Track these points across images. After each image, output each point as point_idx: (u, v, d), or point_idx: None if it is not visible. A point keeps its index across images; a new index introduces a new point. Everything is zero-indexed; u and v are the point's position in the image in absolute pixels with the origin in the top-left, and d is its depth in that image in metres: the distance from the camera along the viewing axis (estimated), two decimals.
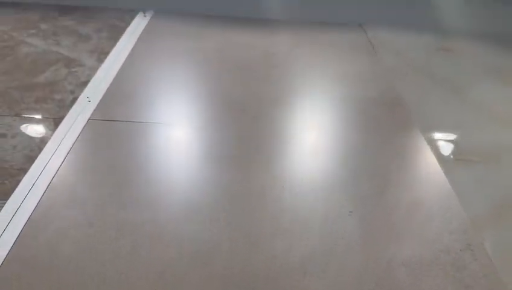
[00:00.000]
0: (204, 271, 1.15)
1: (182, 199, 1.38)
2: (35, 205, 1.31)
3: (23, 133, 1.62)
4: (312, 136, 1.73)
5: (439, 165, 1.62)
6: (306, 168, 1.55)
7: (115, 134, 1.66)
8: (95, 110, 1.78)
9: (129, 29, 2.52)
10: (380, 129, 1.80)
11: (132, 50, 2.27)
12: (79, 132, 1.64)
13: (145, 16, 2.74)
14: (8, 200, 1.32)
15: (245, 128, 1.74)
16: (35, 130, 1.64)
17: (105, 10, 2.77)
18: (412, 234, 1.32)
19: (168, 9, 2.85)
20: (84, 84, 1.95)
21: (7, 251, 1.16)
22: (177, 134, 1.69)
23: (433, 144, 1.73)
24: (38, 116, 1.71)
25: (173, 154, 1.58)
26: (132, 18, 2.70)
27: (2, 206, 1.30)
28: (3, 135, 1.59)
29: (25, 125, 1.66)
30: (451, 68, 2.40)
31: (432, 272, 1.20)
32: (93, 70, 2.07)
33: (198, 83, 2.04)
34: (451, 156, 1.69)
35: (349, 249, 1.25)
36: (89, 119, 1.73)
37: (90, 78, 2.00)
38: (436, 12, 2.96)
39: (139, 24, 2.61)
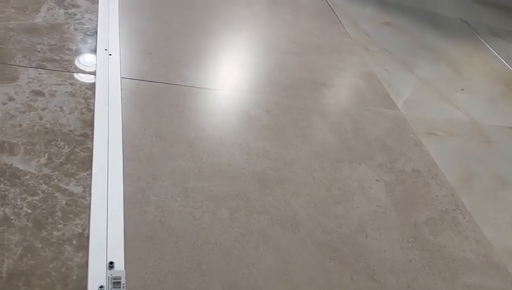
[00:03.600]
0: None
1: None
2: (121, 177, 1.33)
3: (61, 91, 1.51)
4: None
5: (419, 138, 2.04)
6: None
7: (156, 96, 1.66)
8: (121, 66, 1.72)
9: None
10: (366, 101, 2.13)
11: None
12: (119, 92, 1.60)
13: None
14: (93, 171, 1.31)
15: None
16: (72, 88, 1.54)
17: None
18: (422, 199, 1.72)
19: None
20: (92, 31, 1.82)
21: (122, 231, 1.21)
22: (219, 98, 1.77)
23: (410, 119, 2.14)
24: (67, 72, 1.59)
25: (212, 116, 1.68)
26: None
27: (90, 177, 1.28)
28: (41, 93, 1.48)
29: (56, 80, 1.54)
30: (398, 44, 2.81)
31: (443, 228, 1.63)
32: (92, 13, 1.92)
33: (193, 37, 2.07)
34: (424, 131, 2.12)
35: (387, 214, 1.59)
36: (121, 78, 1.67)
37: (95, 25, 1.86)
38: None
39: None
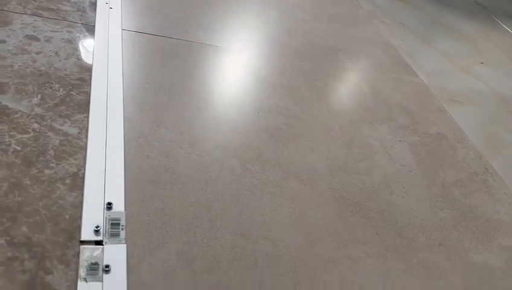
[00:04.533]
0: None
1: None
2: (122, 121, 1.20)
3: (58, 37, 1.40)
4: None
5: (442, 104, 1.90)
6: None
7: (159, 49, 1.54)
8: (123, 19, 1.60)
9: None
10: (384, 68, 2.00)
11: None
12: (120, 43, 1.48)
13: None
14: (90, 114, 1.18)
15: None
16: (69, 35, 1.42)
17: None
18: (448, 161, 1.58)
19: None
20: None
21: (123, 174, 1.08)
22: (222, 56, 1.65)
23: (431, 86, 2.00)
24: (64, 21, 1.48)
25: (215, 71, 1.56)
26: None
27: (87, 120, 1.16)
28: (35, 38, 1.36)
29: (52, 28, 1.43)
30: (413, 19, 2.69)
31: (473, 189, 1.49)
32: None
33: None
34: (446, 98, 1.99)
35: (413, 173, 1.46)
36: (122, 29, 1.56)
37: None
38: None
39: None
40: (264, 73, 1.66)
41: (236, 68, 1.63)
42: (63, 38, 1.39)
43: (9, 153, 1.00)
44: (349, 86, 1.78)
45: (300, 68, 1.77)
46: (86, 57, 1.36)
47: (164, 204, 1.03)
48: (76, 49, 1.38)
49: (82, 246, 0.88)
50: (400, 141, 1.58)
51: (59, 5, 1.54)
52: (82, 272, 0.84)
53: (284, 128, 1.43)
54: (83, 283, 0.82)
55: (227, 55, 1.68)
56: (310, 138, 1.43)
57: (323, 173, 1.31)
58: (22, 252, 0.84)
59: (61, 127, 1.11)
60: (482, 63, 2.48)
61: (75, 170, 1.02)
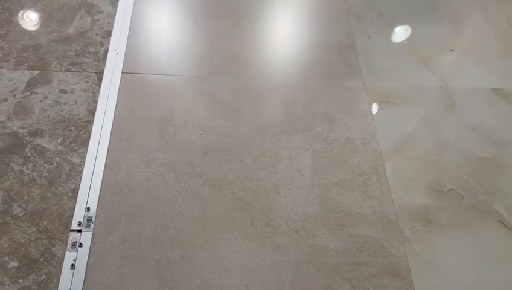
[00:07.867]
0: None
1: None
2: (106, 151, 2.05)
3: (78, 88, 2.25)
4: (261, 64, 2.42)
5: (369, 108, 2.38)
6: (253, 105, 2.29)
7: (146, 86, 2.31)
8: (124, 63, 2.38)
9: None
10: (330, 74, 2.49)
11: None
12: (118, 87, 2.28)
13: None
14: (88, 148, 2.05)
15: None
16: (85, 85, 2.26)
17: None
18: (343, 164, 2.15)
19: None
20: (108, 34, 2.49)
21: (100, 184, 1.95)
22: (201, 87, 2.35)
23: (369, 89, 2.46)
24: (84, 72, 2.31)
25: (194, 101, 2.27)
26: None
27: (86, 152, 2.03)
28: (64, 91, 2.23)
29: (76, 80, 2.27)
30: (399, 5, 2.95)
31: (351, 188, 2.07)
32: (111, 17, 2.57)
33: (196, 28, 2.60)
34: (380, 100, 2.43)
35: (304, 177, 2.09)
36: (122, 73, 2.34)
37: (112, 28, 2.52)
38: None
39: None
40: (218, 96, 2.34)
41: (197, 95, 2.33)
42: (81, 89, 2.25)
43: (42, 178, 1.94)
44: (285, 98, 2.36)
45: (250, 86, 2.39)
46: (93, 102, 2.20)
47: (119, 207, 1.90)
48: (88, 96, 2.22)
49: (70, 232, 1.80)
50: (307, 149, 2.19)
51: (83, 58, 2.37)
52: (68, 246, 1.77)
53: (217, 145, 2.15)
54: (68, 252, 1.75)
55: (194, 85, 2.37)
56: (233, 152, 2.13)
57: (231, 181, 2.04)
58: (43, 234, 1.79)
59: (71, 159, 2.00)
60: (451, 50, 2.74)
61: (74, 187, 1.92)
